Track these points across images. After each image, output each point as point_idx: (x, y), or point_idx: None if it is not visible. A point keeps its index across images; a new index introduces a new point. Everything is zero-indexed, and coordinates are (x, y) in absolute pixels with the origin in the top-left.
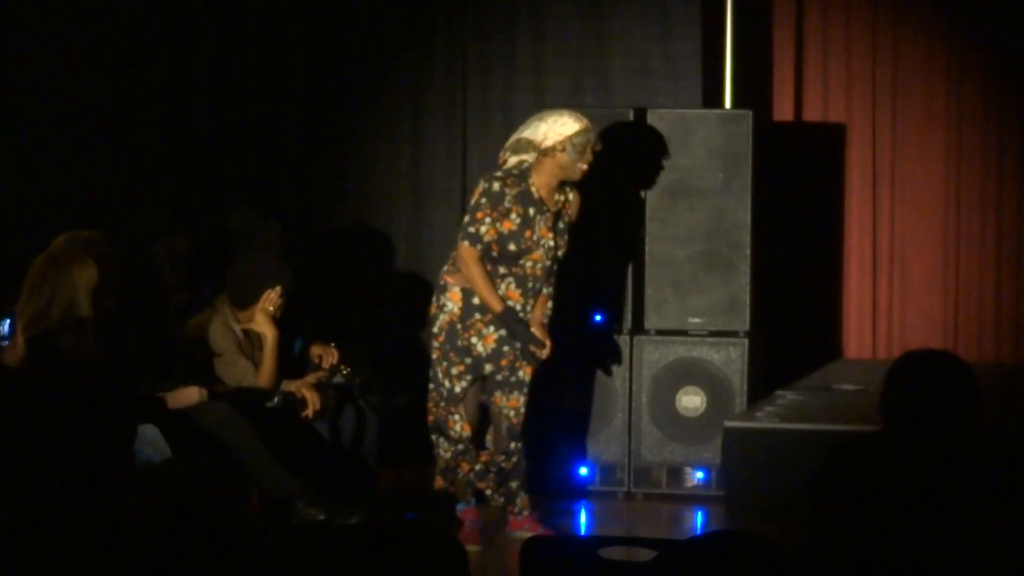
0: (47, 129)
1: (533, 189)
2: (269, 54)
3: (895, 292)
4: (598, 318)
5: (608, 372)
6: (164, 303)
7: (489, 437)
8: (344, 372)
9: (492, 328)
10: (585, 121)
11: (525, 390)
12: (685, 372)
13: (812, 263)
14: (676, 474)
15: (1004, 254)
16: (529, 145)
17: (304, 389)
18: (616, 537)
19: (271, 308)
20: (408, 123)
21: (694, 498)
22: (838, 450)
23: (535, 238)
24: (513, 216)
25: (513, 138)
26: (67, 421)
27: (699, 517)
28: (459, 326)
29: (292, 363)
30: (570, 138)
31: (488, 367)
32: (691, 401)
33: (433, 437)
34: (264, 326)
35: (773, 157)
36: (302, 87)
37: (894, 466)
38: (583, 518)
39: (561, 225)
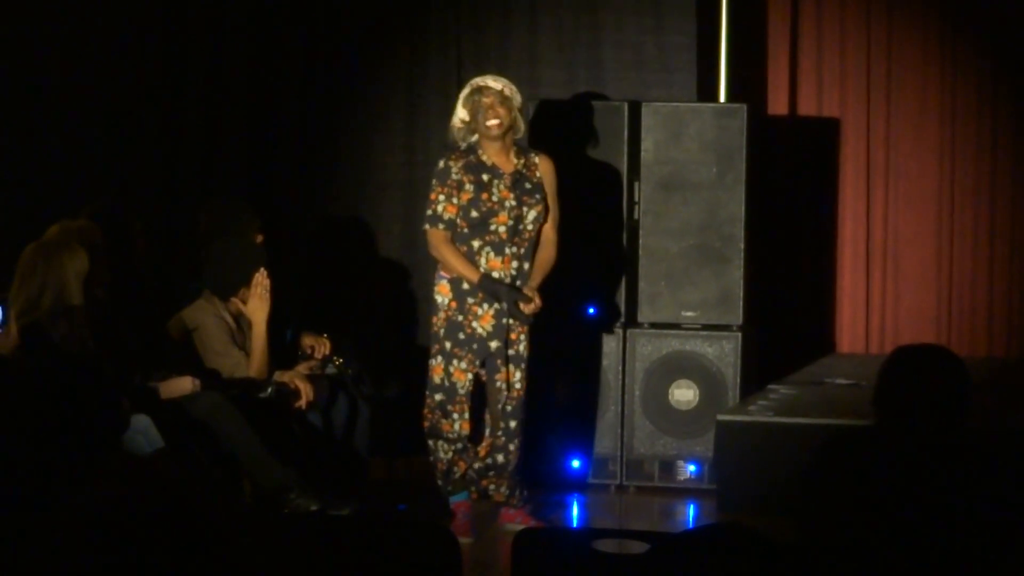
0: (40, 121)
1: (485, 158)
2: (262, 47)
3: (888, 286)
4: (591, 311)
5: (600, 365)
6: (158, 293)
7: (487, 417)
8: (337, 363)
9: (486, 306)
10: (475, 81)
11: (523, 365)
12: (678, 365)
13: (805, 257)
14: (668, 467)
15: (997, 249)
16: (452, 129)
17: (297, 380)
18: (608, 530)
19: (262, 291)
20: (402, 114)
21: (686, 491)
22: (830, 444)
23: (495, 199)
24: (467, 186)
25: None
26: (59, 409)
27: (691, 510)
28: (459, 318)
29: (283, 353)
30: (461, 105)
31: (494, 344)
32: (684, 394)
33: (430, 443)
34: (255, 312)
35: (767, 151)
36: (295, 79)
37: (886, 460)
38: (575, 511)
39: (528, 186)
